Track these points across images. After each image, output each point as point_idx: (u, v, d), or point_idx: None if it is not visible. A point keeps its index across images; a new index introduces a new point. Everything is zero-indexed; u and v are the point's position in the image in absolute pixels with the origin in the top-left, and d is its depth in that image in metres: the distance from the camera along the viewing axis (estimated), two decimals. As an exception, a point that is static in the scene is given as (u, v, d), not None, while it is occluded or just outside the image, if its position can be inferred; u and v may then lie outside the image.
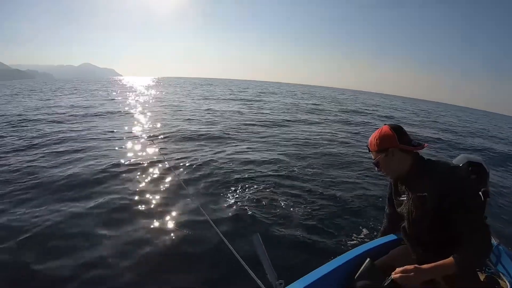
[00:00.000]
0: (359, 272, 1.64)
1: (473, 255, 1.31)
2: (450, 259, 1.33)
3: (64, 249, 2.99)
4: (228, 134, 9.04)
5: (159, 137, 8.37)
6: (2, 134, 7.98)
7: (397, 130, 1.56)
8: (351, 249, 1.90)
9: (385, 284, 1.46)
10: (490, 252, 1.40)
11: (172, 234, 3.31)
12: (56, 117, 11.01)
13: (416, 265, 1.36)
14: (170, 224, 3.53)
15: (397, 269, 1.39)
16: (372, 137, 1.61)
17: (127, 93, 27.35)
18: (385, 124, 1.62)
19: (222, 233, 1.67)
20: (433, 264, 1.37)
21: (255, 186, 4.72)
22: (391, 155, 1.54)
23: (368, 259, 1.66)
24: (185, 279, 2.66)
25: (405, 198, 1.61)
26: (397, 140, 1.53)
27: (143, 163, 5.70)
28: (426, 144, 1.57)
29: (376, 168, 1.64)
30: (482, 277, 1.63)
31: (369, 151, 1.65)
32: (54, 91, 27.48)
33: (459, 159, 2.02)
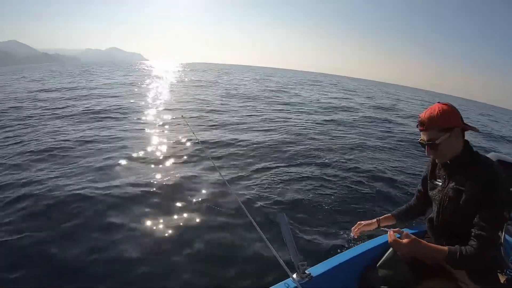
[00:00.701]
0: (381, 260, 1.64)
1: (470, 254, 1.29)
2: (446, 248, 1.34)
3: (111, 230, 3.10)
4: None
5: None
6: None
7: (456, 108, 1.42)
8: (375, 237, 1.90)
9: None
10: (489, 256, 1.34)
11: (197, 207, 3.53)
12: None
13: (415, 237, 1.38)
14: (199, 199, 3.75)
15: (394, 231, 1.45)
16: (432, 114, 1.40)
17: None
18: (438, 102, 1.44)
19: (250, 213, 1.65)
20: (429, 244, 1.39)
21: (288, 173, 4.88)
22: (454, 136, 1.39)
23: (391, 249, 1.65)
24: (208, 253, 2.76)
25: (441, 184, 1.53)
26: (461, 119, 1.40)
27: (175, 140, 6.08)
28: (477, 129, 1.47)
29: (426, 149, 1.47)
30: (502, 279, 1.58)
31: (422, 129, 1.45)
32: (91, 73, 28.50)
33: (490, 156, 1.93)
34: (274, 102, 14.26)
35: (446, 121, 1.38)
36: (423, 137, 1.46)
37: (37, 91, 13.81)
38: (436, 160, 1.54)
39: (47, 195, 3.61)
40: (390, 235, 1.44)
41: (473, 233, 1.32)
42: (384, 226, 1.85)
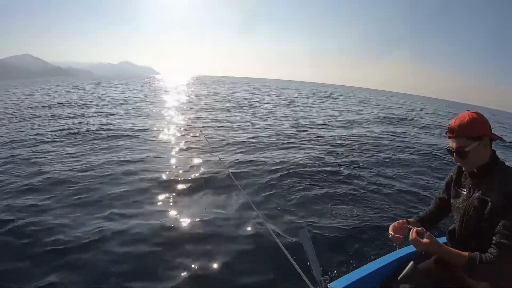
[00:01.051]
0: (402, 274, 1.64)
1: (490, 261, 1.30)
2: (465, 253, 1.36)
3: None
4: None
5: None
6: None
7: (485, 118, 1.42)
8: (395, 250, 1.93)
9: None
10: (510, 265, 1.32)
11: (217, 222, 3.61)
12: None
13: (436, 239, 1.42)
14: (215, 209, 3.88)
15: (418, 230, 1.45)
16: (462, 122, 1.41)
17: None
18: (468, 110, 1.45)
19: (272, 229, 1.73)
20: (449, 247, 1.42)
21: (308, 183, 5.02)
22: (482, 145, 1.40)
23: (411, 262, 1.65)
24: (229, 268, 2.84)
25: (465, 193, 1.53)
26: (490, 129, 1.41)
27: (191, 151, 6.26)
28: (504, 140, 1.48)
29: (454, 157, 1.47)
30: None
31: (451, 136, 1.46)
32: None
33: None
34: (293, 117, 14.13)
35: (476, 130, 1.39)
36: (451, 144, 1.47)
37: (47, 106, 13.99)
38: (463, 168, 1.54)
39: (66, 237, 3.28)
40: (412, 233, 1.46)
41: (494, 241, 1.33)
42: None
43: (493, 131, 1.44)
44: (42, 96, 18.79)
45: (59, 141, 7.52)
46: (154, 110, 13.84)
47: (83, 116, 11.38)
